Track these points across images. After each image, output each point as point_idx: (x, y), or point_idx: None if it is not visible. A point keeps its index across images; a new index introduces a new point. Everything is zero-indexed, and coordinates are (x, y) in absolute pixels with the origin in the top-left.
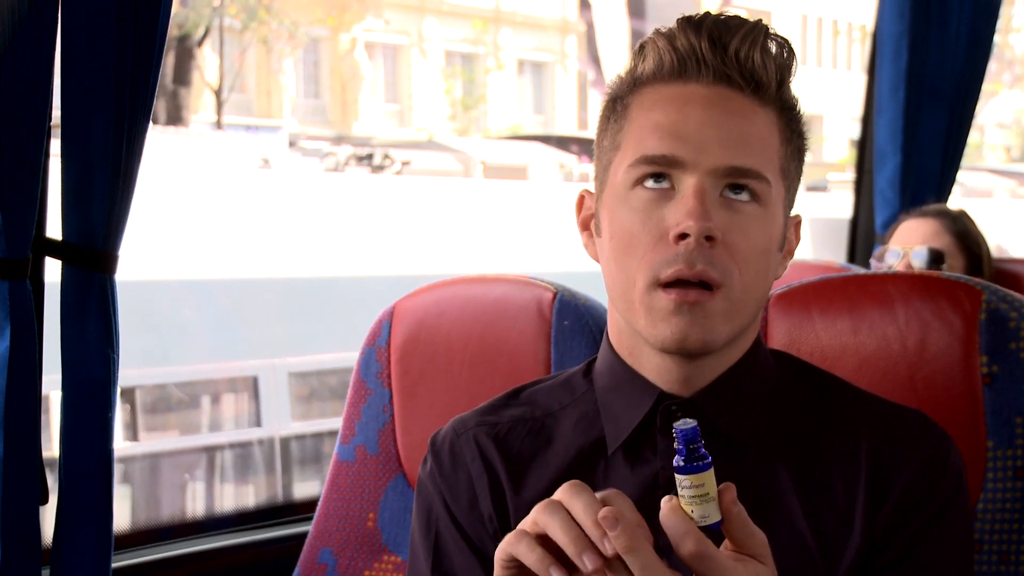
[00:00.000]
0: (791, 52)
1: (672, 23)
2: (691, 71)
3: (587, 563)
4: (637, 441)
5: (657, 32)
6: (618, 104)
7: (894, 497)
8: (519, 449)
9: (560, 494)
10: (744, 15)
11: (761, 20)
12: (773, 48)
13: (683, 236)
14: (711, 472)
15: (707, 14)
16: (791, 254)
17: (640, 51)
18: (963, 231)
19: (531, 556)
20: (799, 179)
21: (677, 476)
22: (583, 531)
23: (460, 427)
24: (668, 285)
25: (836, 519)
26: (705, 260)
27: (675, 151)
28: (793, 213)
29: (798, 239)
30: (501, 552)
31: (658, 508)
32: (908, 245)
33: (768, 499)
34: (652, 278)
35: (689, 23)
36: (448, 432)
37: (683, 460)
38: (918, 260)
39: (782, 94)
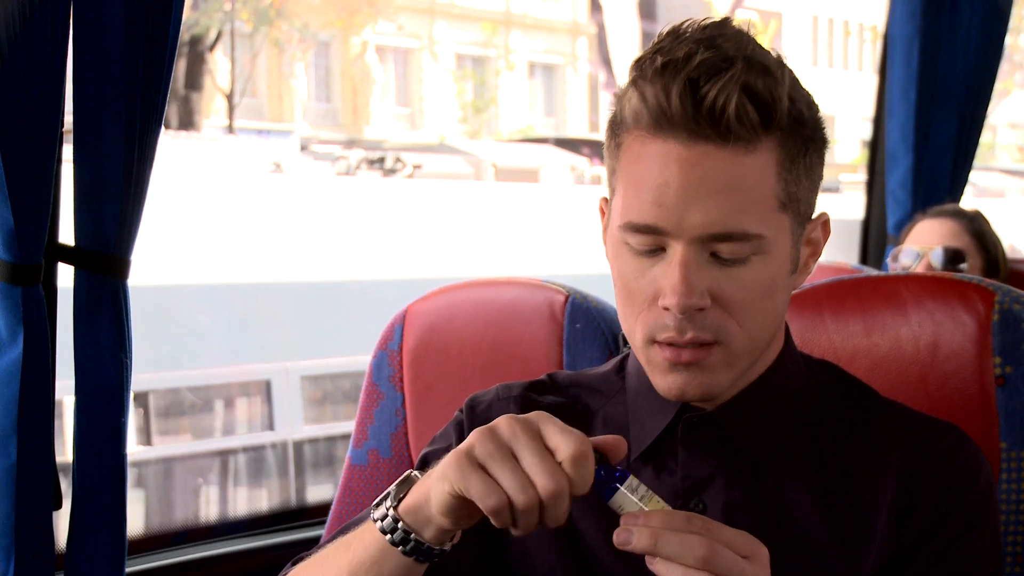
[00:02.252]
0: (781, 77)
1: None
2: (666, 129)
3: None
4: (660, 449)
5: (635, 74)
6: (613, 137)
7: (921, 512)
8: None
9: (536, 423)
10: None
11: (746, 48)
12: (757, 84)
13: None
14: (621, 494)
15: (684, 57)
16: (816, 255)
17: (625, 87)
18: (980, 231)
19: (488, 501)
20: (817, 188)
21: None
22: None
23: (504, 392)
24: (663, 343)
25: (858, 533)
26: (696, 327)
27: (657, 221)
28: (817, 213)
29: (827, 235)
30: (446, 481)
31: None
32: (927, 245)
33: (785, 513)
34: (648, 336)
35: (663, 73)
36: (492, 397)
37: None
38: (937, 260)
39: (774, 128)
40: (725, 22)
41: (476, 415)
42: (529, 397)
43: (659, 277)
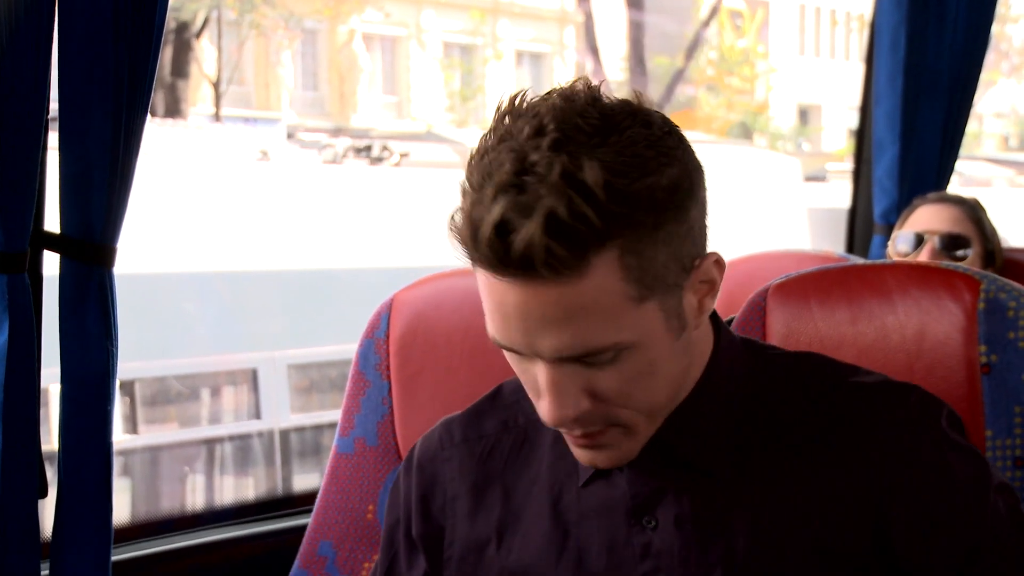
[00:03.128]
0: (597, 181)
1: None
2: (493, 269)
3: None
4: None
5: (463, 191)
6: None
7: (881, 479)
8: (500, 468)
9: None
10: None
11: (565, 166)
12: (564, 210)
13: None
14: None
15: (492, 198)
16: (714, 291)
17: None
18: (980, 218)
19: None
20: (684, 244)
21: None
22: None
23: (447, 439)
24: None
25: (823, 526)
26: (583, 425)
27: (512, 345)
28: (709, 251)
29: (721, 272)
30: None
31: (631, 531)
32: (930, 230)
33: (739, 520)
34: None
35: (475, 206)
36: (435, 445)
37: None
38: (942, 246)
39: (601, 238)
40: (545, 115)
41: (423, 473)
42: (468, 440)
43: (538, 377)
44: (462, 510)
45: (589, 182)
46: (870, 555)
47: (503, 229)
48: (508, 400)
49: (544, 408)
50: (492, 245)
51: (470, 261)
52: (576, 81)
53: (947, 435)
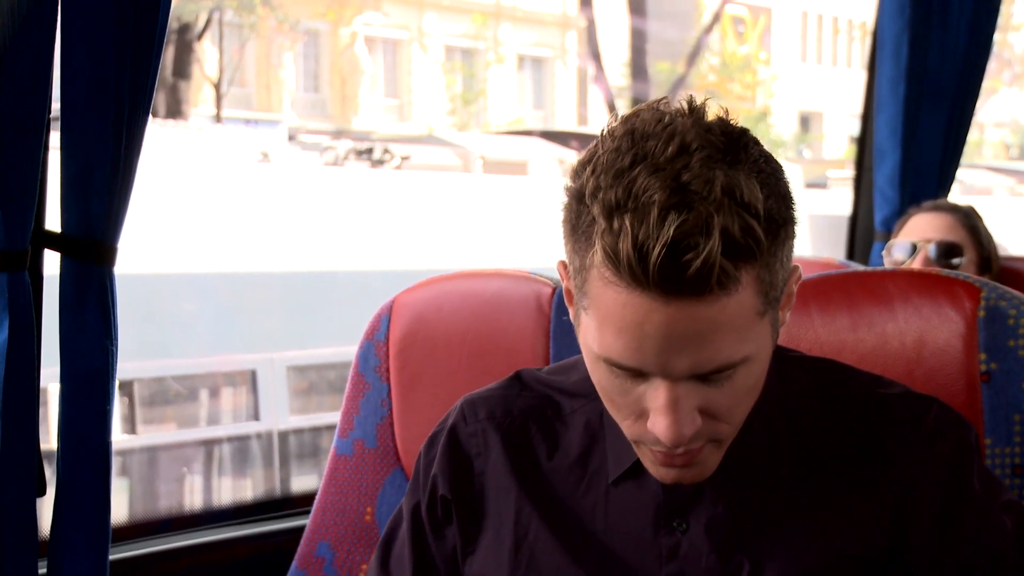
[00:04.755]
0: (755, 200)
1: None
2: (642, 286)
3: None
4: (639, 466)
5: (608, 212)
6: (581, 245)
7: (907, 493)
8: (527, 454)
9: None
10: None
11: (713, 177)
12: (737, 227)
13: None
14: None
15: (658, 217)
16: (791, 304)
17: (592, 217)
18: (975, 226)
19: None
20: (790, 259)
21: None
22: None
23: (471, 415)
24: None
25: (854, 531)
26: (688, 444)
27: (641, 366)
28: (792, 266)
29: (798, 282)
30: None
31: (658, 533)
32: (924, 239)
33: (771, 524)
34: (636, 439)
35: (636, 231)
36: (456, 420)
37: None
38: (934, 254)
39: (763, 248)
40: (684, 130)
41: (449, 445)
42: (493, 417)
43: (645, 398)
44: (490, 486)
45: (749, 199)
46: (888, 567)
47: (678, 249)
48: (536, 390)
49: (662, 428)
50: (665, 266)
51: (616, 283)
52: (674, 96)
53: (964, 445)
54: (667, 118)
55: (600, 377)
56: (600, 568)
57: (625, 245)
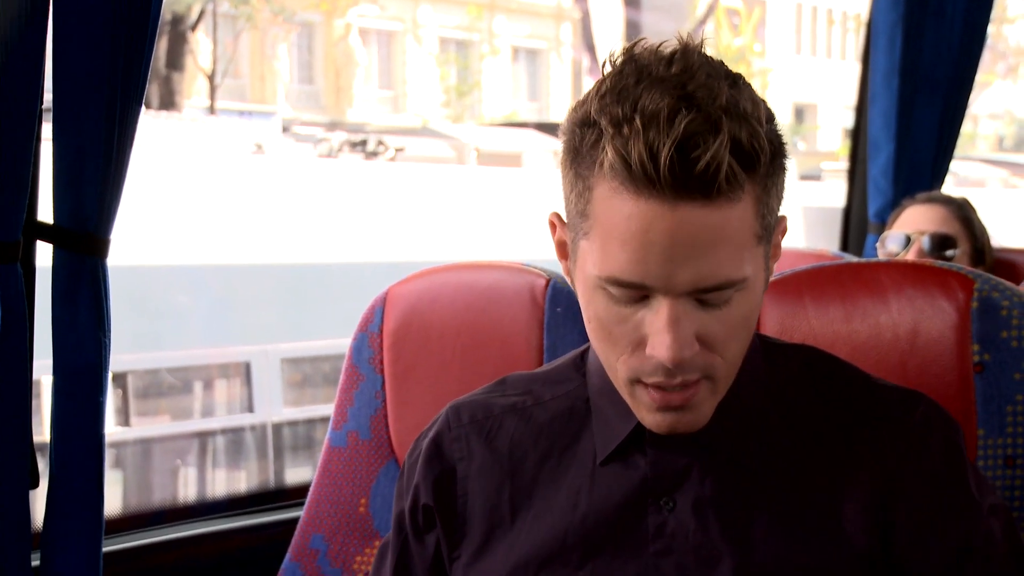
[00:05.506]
0: (757, 115)
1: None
2: (650, 190)
3: None
4: (627, 448)
5: (612, 127)
6: (584, 170)
7: (892, 483)
8: (509, 446)
9: None
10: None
11: (717, 91)
12: (743, 136)
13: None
14: None
15: (667, 117)
16: (777, 257)
17: (597, 126)
18: (968, 218)
19: None
20: (783, 195)
21: None
22: None
23: (455, 421)
24: (650, 385)
25: (838, 516)
26: (684, 371)
27: (644, 280)
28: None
29: (784, 233)
30: None
31: (645, 514)
32: (918, 230)
33: (760, 505)
34: (632, 376)
35: (646, 133)
36: (441, 427)
37: None
38: (928, 246)
39: (758, 169)
40: (687, 53)
41: (432, 454)
42: (475, 421)
43: (644, 324)
44: (473, 489)
45: (753, 112)
46: (878, 553)
47: (688, 146)
48: (518, 387)
49: (663, 346)
50: (675, 162)
51: (622, 192)
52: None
53: (953, 443)
54: (667, 47)
55: (598, 308)
56: (587, 548)
57: (636, 144)
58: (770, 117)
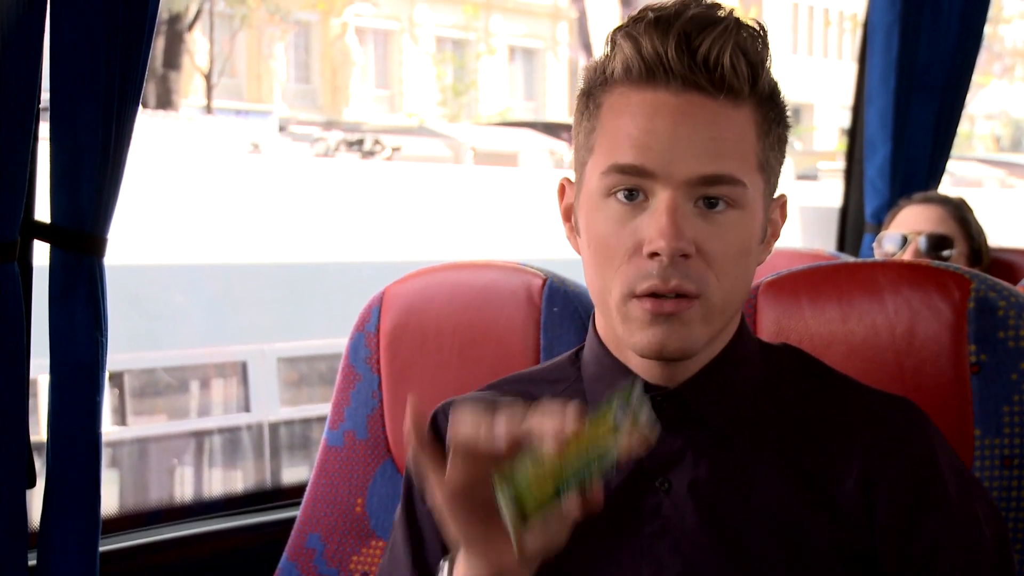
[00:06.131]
0: (765, 43)
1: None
2: (659, 78)
3: None
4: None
5: (625, 29)
6: (591, 101)
7: (889, 487)
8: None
9: None
10: (737, 3)
11: (732, 12)
12: (746, 43)
13: (656, 254)
14: None
15: (675, 12)
16: (776, 236)
17: (610, 47)
18: (965, 218)
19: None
20: (782, 164)
21: None
22: None
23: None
24: (644, 295)
25: (829, 505)
26: (680, 275)
27: (645, 162)
28: (777, 194)
29: (784, 218)
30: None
31: (641, 493)
32: (915, 231)
33: (753, 487)
34: (627, 290)
35: (656, 25)
36: (441, 409)
37: None
38: (926, 246)
39: (758, 89)
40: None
41: (435, 427)
42: (477, 400)
43: (642, 227)
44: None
45: (755, 32)
46: (867, 540)
47: (690, 36)
48: (512, 387)
49: (658, 233)
50: (679, 48)
51: (630, 92)
52: None
53: (931, 444)
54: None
55: (598, 225)
56: (584, 529)
57: (645, 38)
58: (771, 53)
